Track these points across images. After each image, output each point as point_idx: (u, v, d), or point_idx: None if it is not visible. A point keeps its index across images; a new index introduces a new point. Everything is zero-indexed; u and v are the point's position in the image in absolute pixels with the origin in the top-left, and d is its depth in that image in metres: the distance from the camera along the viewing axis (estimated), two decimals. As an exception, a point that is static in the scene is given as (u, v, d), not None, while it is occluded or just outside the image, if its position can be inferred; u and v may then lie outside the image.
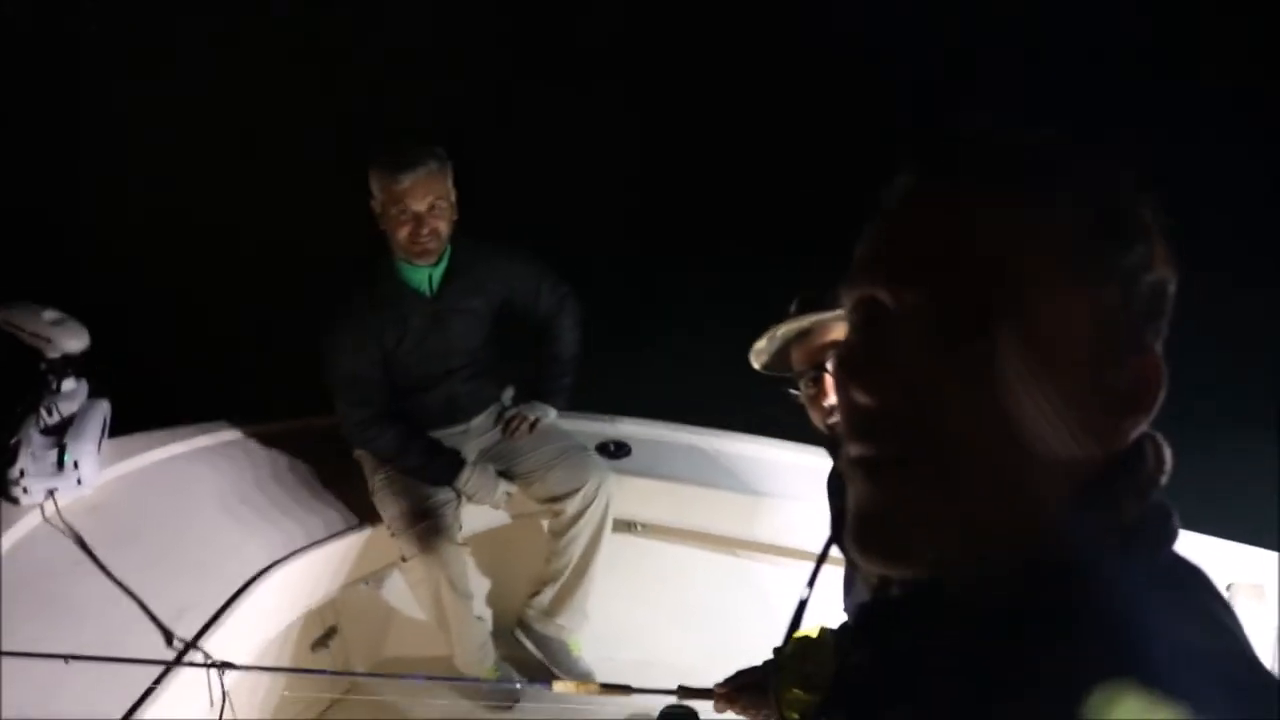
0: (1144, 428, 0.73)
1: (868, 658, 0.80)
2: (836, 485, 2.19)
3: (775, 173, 7.68)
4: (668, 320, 5.79)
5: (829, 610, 2.66)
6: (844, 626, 0.80)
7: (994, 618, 0.69)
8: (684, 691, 2.32)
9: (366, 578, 3.10)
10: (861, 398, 0.72)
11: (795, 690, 1.68)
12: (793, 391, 2.01)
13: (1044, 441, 0.69)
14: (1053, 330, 0.68)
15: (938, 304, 0.69)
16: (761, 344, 1.99)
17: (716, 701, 2.25)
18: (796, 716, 1.66)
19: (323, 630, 3.11)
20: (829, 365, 1.90)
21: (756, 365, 2.05)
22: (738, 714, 2.26)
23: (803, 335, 1.95)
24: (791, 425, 3.56)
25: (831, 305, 1.91)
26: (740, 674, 2.25)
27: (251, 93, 9.34)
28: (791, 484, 3.23)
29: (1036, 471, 0.69)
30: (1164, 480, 0.76)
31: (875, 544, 0.72)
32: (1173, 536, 0.74)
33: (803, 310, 1.95)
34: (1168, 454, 0.76)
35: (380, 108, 8.18)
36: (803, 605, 0.98)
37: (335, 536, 2.97)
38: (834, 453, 2.05)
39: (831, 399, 1.91)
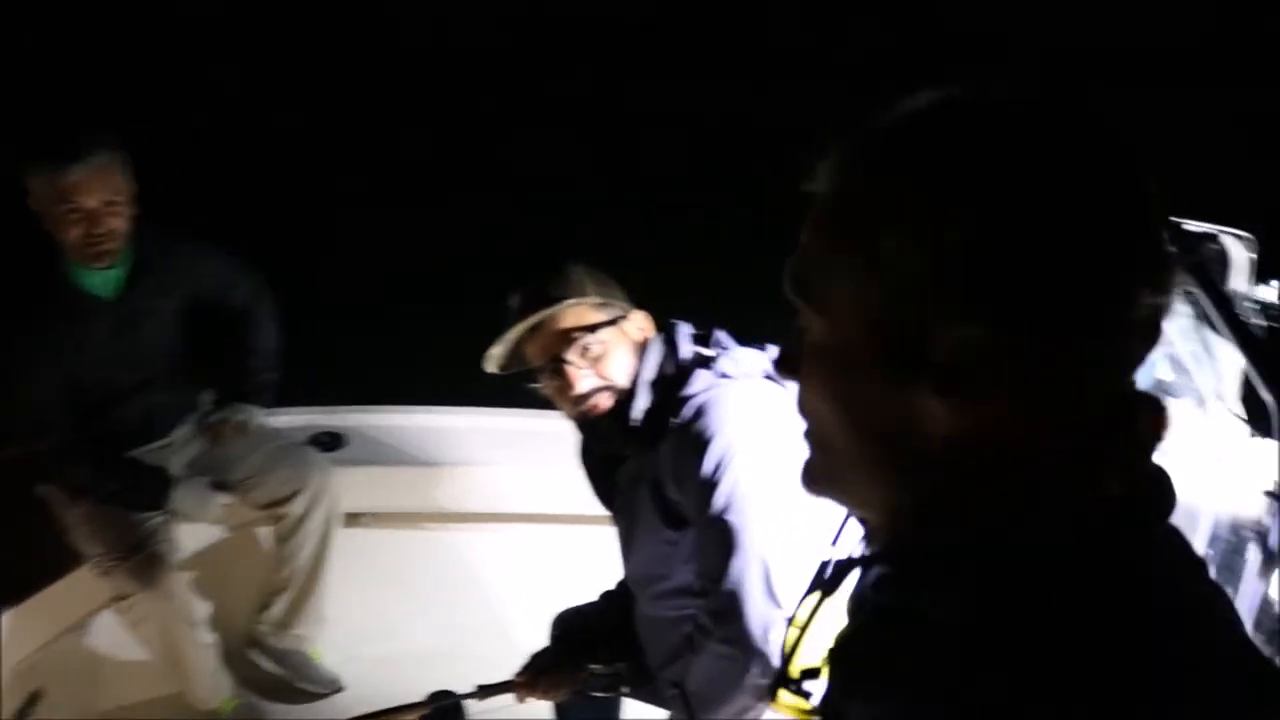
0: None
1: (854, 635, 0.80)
2: (588, 458, 2.21)
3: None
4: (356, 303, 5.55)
5: (587, 572, 2.71)
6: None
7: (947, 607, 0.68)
8: (484, 690, 2.26)
9: (72, 628, 2.73)
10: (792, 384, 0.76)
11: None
12: (534, 386, 2.01)
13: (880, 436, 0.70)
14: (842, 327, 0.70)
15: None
16: (496, 349, 1.98)
17: (518, 691, 2.22)
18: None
19: (24, 698, 2.71)
20: (567, 355, 1.93)
21: (494, 369, 2.02)
22: (540, 699, 2.25)
23: (533, 330, 1.94)
24: (496, 391, 3.57)
25: (557, 298, 1.93)
26: (535, 658, 2.24)
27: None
28: (507, 449, 3.23)
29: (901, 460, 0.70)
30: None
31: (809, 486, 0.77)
32: (1168, 509, 0.71)
33: (527, 307, 1.94)
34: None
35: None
36: (824, 566, 0.99)
37: (24, 593, 2.59)
38: (590, 435, 2.07)
39: (577, 388, 1.94)
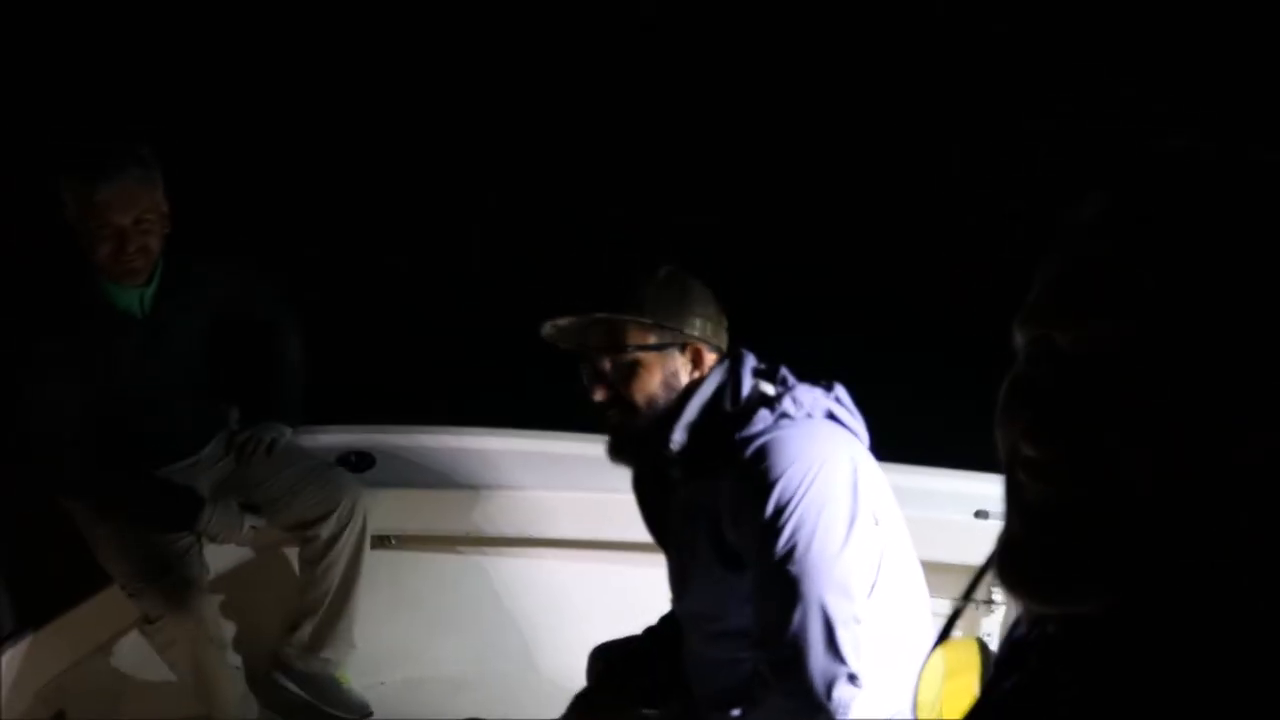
0: None
1: (1014, 687, 0.76)
2: (640, 484, 2.16)
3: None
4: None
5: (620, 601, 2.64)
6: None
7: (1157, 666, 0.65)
8: None
9: (99, 649, 2.69)
10: (1026, 448, 0.68)
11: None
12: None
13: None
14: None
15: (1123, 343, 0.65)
16: (558, 322, 1.96)
17: None
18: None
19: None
20: (600, 361, 1.89)
21: (546, 335, 1.98)
22: None
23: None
24: (524, 413, 3.52)
25: (620, 305, 1.89)
26: (582, 698, 2.17)
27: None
28: (541, 473, 3.17)
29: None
30: None
31: (1025, 579, 0.68)
32: None
33: (592, 302, 1.92)
34: None
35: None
36: (955, 616, 0.94)
37: (51, 613, 2.55)
38: (618, 443, 2.02)
39: (595, 394, 1.92)
